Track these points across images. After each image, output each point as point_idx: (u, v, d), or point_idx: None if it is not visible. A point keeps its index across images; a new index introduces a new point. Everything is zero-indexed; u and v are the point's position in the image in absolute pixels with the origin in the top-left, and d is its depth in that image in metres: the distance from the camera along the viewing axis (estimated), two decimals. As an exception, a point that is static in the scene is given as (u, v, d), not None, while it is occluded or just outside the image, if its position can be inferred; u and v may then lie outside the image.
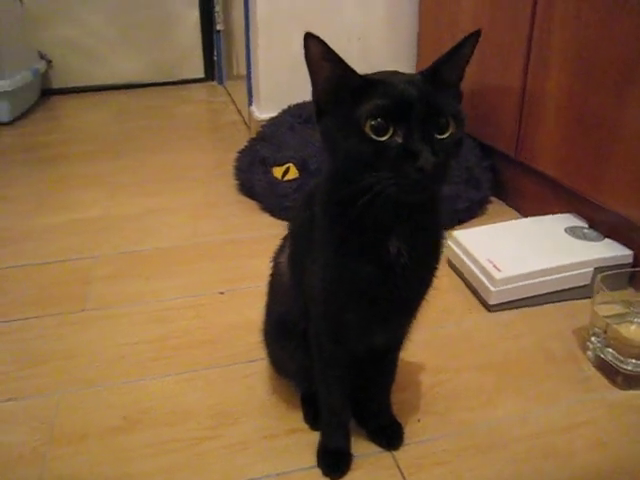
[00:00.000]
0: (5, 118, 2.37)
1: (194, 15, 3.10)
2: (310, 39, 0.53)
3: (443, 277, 1.24)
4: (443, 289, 1.21)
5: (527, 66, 1.35)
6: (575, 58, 1.20)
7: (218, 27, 3.00)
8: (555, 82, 1.26)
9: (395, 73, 0.58)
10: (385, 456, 0.80)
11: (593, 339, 0.97)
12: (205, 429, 0.85)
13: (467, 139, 1.60)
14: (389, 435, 0.81)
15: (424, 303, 0.71)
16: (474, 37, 0.56)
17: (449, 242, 1.26)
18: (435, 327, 1.08)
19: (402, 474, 0.77)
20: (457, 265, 1.24)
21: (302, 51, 0.55)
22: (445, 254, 1.25)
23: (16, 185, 1.82)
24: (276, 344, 0.84)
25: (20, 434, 0.85)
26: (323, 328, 0.70)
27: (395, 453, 0.80)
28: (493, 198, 1.60)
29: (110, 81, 3.02)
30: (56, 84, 2.94)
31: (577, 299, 1.13)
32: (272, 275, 0.83)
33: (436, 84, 0.55)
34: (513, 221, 1.31)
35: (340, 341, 0.70)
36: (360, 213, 0.57)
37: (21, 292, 1.21)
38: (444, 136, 0.55)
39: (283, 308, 0.79)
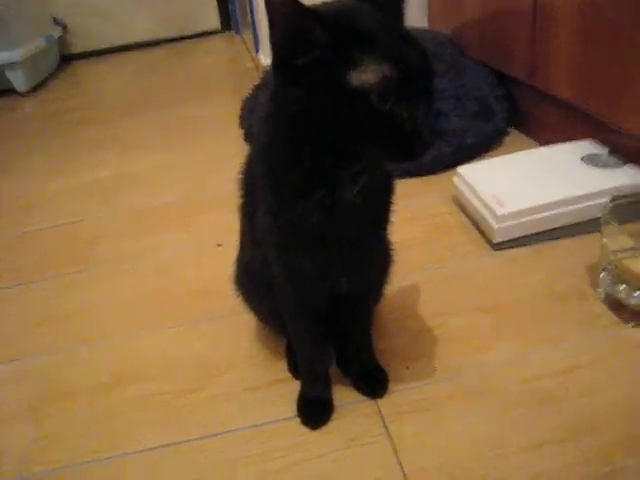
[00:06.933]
0: (22, 88, 2.39)
1: (205, -36, 3.00)
2: None
3: (448, 215, 1.20)
4: (448, 228, 1.14)
5: (537, -22, 1.21)
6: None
7: (230, -26, 2.90)
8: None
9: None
10: (368, 404, 0.77)
11: (603, 275, 0.89)
12: (191, 381, 0.85)
13: (478, 67, 1.49)
14: (373, 383, 0.78)
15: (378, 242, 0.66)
16: None
17: (454, 179, 1.18)
18: (434, 268, 1.02)
19: (384, 422, 0.74)
20: (463, 203, 1.17)
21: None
22: (451, 191, 1.21)
23: (34, 153, 1.86)
24: (246, 292, 0.82)
25: (18, 392, 0.88)
26: (281, 274, 0.67)
27: (379, 401, 0.77)
28: (512, 129, 1.49)
29: (128, 41, 3.00)
30: (75, 49, 2.95)
31: (595, 232, 1.04)
32: (240, 224, 0.80)
33: None
34: (524, 152, 1.20)
35: (300, 287, 0.67)
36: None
37: (28, 257, 1.24)
38: None
39: (247, 256, 0.76)
